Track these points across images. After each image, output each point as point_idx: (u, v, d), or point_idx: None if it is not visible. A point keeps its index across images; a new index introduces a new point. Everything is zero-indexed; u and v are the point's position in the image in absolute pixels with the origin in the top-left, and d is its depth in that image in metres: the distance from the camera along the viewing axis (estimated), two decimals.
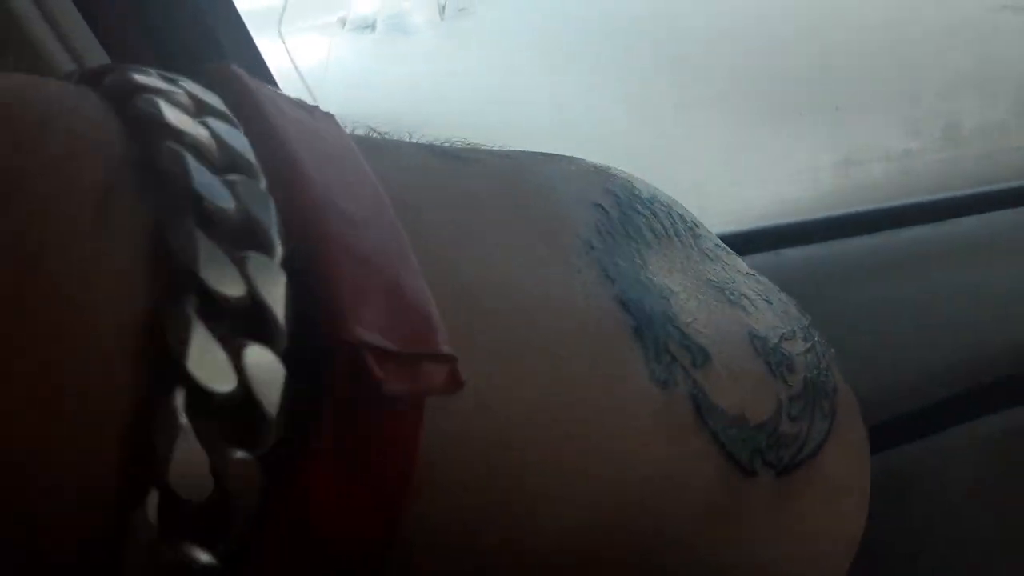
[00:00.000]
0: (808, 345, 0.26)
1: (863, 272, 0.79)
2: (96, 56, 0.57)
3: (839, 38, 1.46)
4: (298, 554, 0.15)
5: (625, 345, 0.21)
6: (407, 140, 0.23)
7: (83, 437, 0.13)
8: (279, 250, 0.15)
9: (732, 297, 0.25)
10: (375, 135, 0.23)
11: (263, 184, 0.16)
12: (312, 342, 0.15)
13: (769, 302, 0.27)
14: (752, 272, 0.28)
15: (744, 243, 0.78)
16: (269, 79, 0.67)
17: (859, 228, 0.81)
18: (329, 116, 0.19)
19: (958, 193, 0.88)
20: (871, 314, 0.75)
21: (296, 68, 2.03)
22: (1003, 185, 0.90)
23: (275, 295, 0.15)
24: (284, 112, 0.18)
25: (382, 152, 0.21)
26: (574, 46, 1.60)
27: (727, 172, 1.11)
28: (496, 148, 0.26)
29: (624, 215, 0.24)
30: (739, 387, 0.23)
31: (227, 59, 0.65)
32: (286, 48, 2.09)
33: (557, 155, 0.27)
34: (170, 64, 0.60)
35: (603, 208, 0.24)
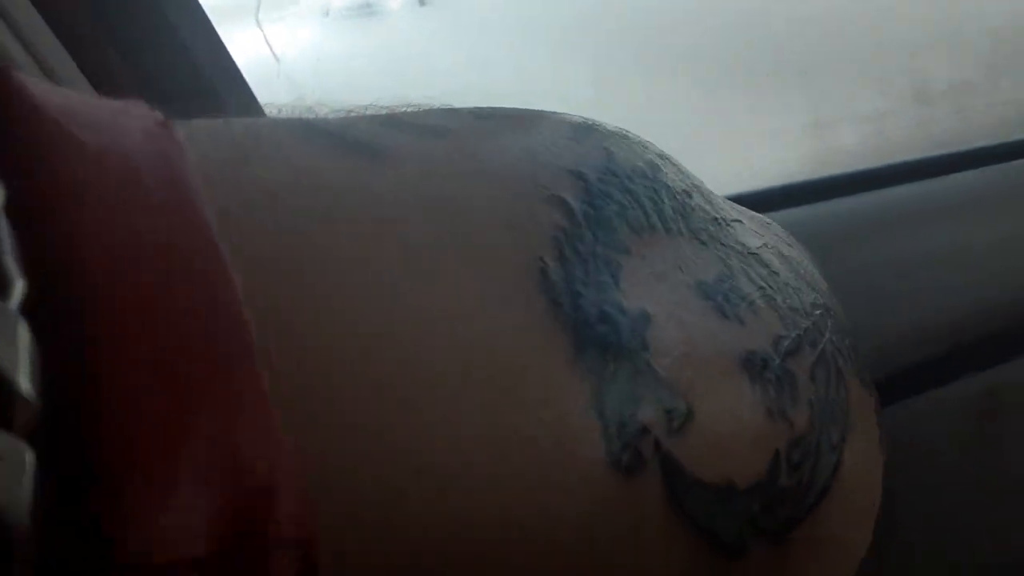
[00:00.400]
0: (816, 353, 0.21)
1: (839, 236, 0.78)
2: (57, 55, 0.55)
3: (804, 1, 1.44)
4: None
5: (579, 422, 0.16)
6: (310, 126, 0.18)
7: None
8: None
9: (726, 308, 0.20)
10: (284, 116, 0.19)
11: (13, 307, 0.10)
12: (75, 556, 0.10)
13: (772, 298, 0.21)
14: (755, 250, 0.23)
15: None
16: (233, 68, 0.65)
17: (832, 192, 0.80)
18: (165, 131, 0.14)
19: (931, 154, 0.87)
20: (849, 277, 0.74)
21: (274, 55, 2.01)
22: (975, 145, 0.89)
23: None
24: (76, 152, 0.12)
25: (257, 162, 0.16)
26: (541, 21, 1.58)
27: (696, 139, 1.10)
28: (437, 111, 0.21)
29: (594, 209, 0.19)
30: (728, 445, 0.18)
31: (188, 50, 0.63)
32: (264, 36, 2.06)
33: (515, 115, 0.22)
34: (129, 56, 0.58)
35: (567, 204, 0.19)
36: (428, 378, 0.15)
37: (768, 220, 0.26)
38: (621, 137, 0.23)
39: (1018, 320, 0.77)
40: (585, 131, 0.22)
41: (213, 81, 0.63)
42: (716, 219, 0.23)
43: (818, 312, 0.22)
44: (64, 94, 0.13)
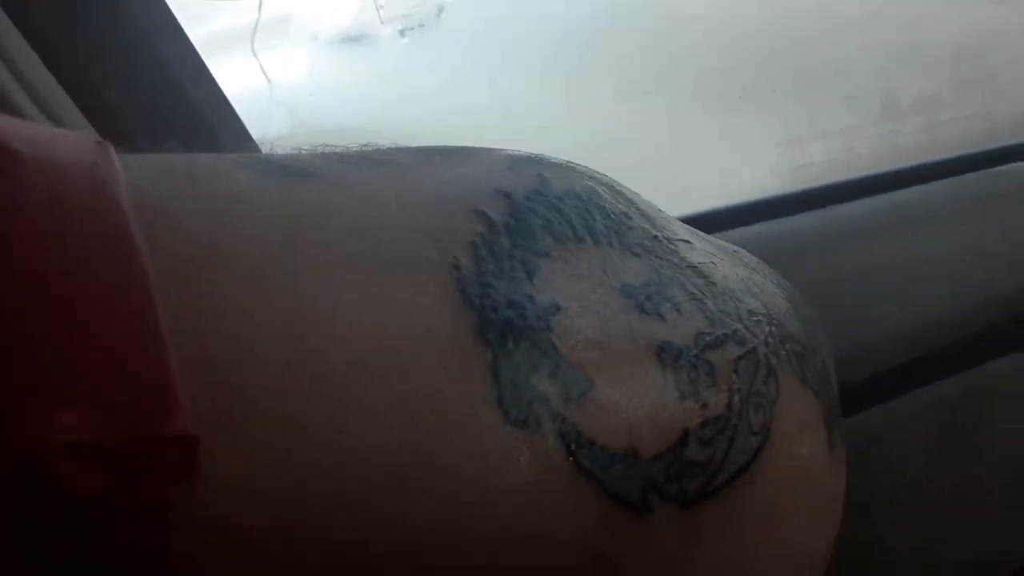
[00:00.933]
0: (744, 349, 0.22)
1: (812, 247, 0.78)
2: (57, 97, 0.56)
3: (773, 20, 1.45)
4: None
5: (475, 385, 0.18)
6: (257, 157, 0.20)
7: None
8: None
9: (647, 305, 0.21)
10: (226, 157, 0.20)
11: None
12: None
13: (702, 302, 0.22)
14: (695, 264, 0.23)
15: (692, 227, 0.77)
16: (221, 99, 0.65)
17: (805, 205, 0.81)
18: (98, 148, 0.16)
19: (899, 167, 0.88)
20: (821, 287, 0.74)
21: (269, 83, 2.01)
22: (941, 157, 0.90)
23: None
24: (11, 158, 0.14)
25: (189, 182, 0.17)
26: (519, 49, 1.59)
27: (674, 158, 1.10)
28: (388, 148, 0.22)
29: (516, 220, 0.21)
30: (630, 416, 0.19)
31: (179, 81, 0.63)
32: (260, 64, 2.06)
33: (459, 151, 0.23)
34: (123, 87, 0.58)
35: (487, 216, 0.20)
36: (333, 351, 0.16)
37: (737, 248, 0.27)
38: (565, 168, 0.23)
39: (986, 326, 0.77)
40: (524, 162, 0.23)
41: (204, 112, 0.63)
42: (656, 236, 0.23)
43: (755, 319, 0.23)
44: (10, 120, 0.15)
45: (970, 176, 0.87)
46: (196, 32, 0.63)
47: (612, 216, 0.23)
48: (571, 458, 0.18)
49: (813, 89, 1.24)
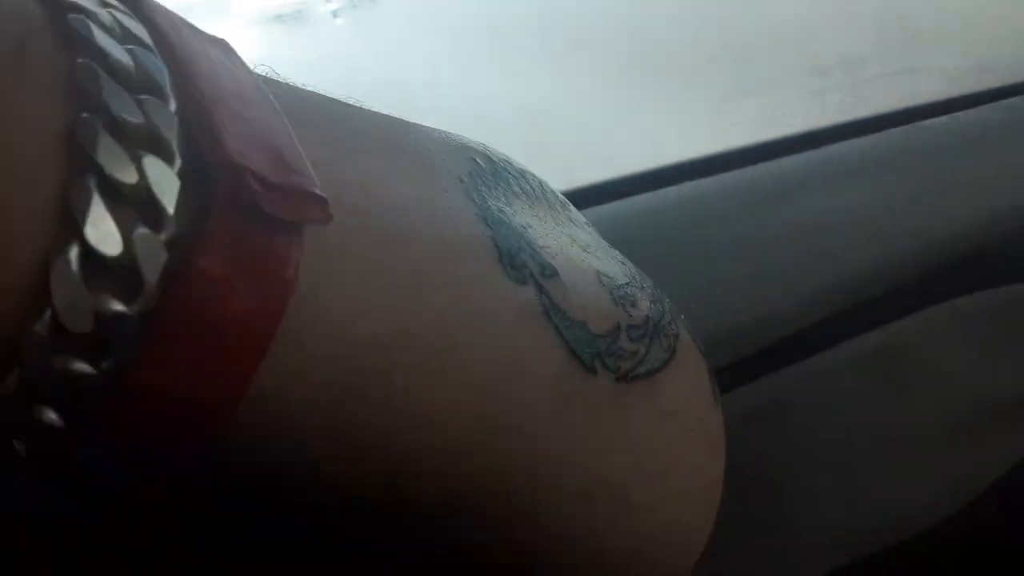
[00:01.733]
0: (656, 299, 0.28)
1: (735, 206, 0.79)
2: None
3: None
4: (193, 341, 0.16)
5: (484, 249, 0.23)
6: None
7: None
8: (177, 160, 0.16)
9: (587, 249, 0.28)
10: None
11: (172, 106, 0.17)
12: (203, 193, 0.16)
13: (624, 263, 0.29)
14: (616, 254, 0.30)
15: (622, 187, 0.78)
16: None
17: (731, 164, 0.81)
18: (225, 43, 0.20)
19: (823, 125, 0.89)
20: (744, 245, 0.75)
21: None
22: (866, 114, 0.91)
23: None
24: (192, 44, 0.18)
25: (275, 81, 0.22)
26: (451, 32, 1.59)
27: (601, 119, 1.10)
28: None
29: (495, 170, 0.27)
30: (582, 302, 0.25)
31: None
32: None
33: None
34: None
35: (475, 161, 0.26)
36: (386, 209, 0.21)
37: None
38: (511, 157, 0.30)
39: (908, 280, 0.78)
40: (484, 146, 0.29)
41: None
42: (587, 224, 0.31)
43: (657, 289, 0.29)
44: (172, 15, 0.19)
45: (896, 130, 0.88)
46: None
47: (560, 198, 0.30)
48: (546, 315, 0.24)
49: (740, 49, 1.25)
